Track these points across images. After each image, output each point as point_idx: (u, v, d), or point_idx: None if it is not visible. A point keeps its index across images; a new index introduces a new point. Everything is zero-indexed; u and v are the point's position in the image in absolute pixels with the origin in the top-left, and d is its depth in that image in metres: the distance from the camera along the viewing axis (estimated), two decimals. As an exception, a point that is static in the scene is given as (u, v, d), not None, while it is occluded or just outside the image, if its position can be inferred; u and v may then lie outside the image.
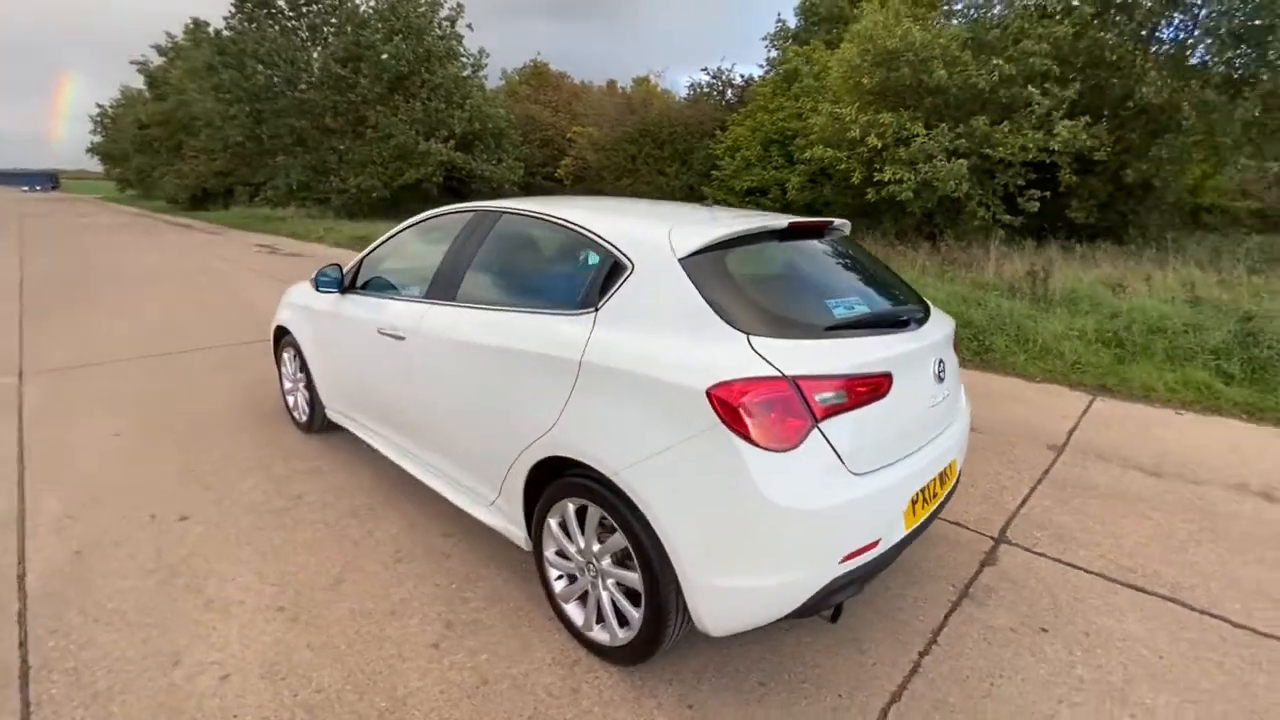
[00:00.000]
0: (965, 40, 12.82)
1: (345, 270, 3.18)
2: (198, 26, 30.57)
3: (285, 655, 2.02)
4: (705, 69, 29.63)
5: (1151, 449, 3.90)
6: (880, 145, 13.34)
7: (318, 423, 3.67)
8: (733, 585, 1.64)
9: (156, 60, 38.02)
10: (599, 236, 2.04)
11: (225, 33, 22.73)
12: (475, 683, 1.92)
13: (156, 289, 9.29)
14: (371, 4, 22.70)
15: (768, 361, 1.61)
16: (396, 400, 2.75)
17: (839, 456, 1.65)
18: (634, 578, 1.81)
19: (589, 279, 2.02)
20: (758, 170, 20.53)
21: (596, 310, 1.94)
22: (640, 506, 1.70)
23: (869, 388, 1.71)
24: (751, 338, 1.67)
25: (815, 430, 1.61)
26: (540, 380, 2.00)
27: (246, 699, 1.85)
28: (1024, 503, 3.18)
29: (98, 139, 49.63)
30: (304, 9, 22.70)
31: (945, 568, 2.59)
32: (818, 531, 1.62)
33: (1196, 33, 12.34)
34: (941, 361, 2.02)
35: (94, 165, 56.68)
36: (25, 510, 2.89)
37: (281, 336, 3.89)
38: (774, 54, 24.98)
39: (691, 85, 29.41)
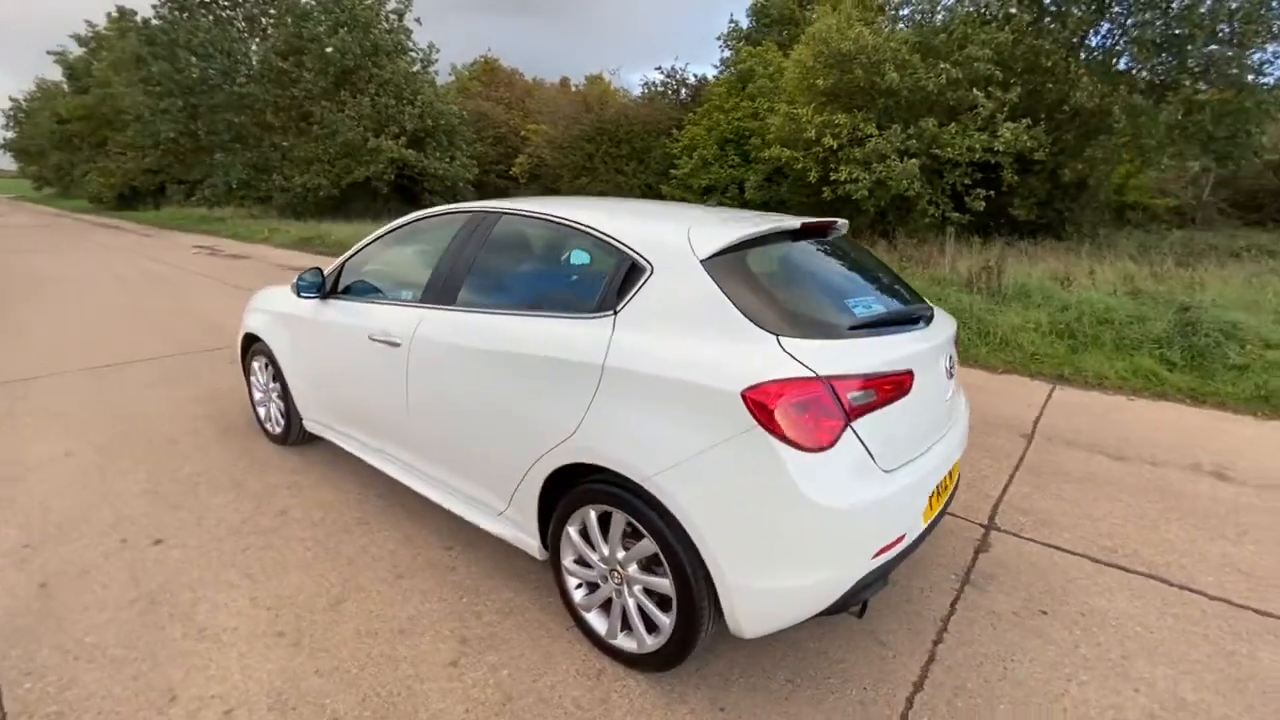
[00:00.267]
0: (914, 44, 13.28)
1: (326, 274, 3.03)
2: (123, 16, 28.70)
3: (293, 683, 1.91)
4: (659, 68, 29.77)
5: (1112, 434, 4.13)
6: (835, 145, 13.69)
7: (294, 435, 3.50)
8: (771, 586, 1.64)
9: (76, 51, 35.52)
10: (614, 239, 2.00)
11: (155, 22, 21.39)
12: (500, 700, 1.86)
13: (91, 295, 8.68)
14: (313, -5, 21.83)
15: (800, 362, 1.62)
16: (390, 410, 2.64)
17: (870, 454, 1.67)
18: (664, 583, 1.79)
19: (605, 281, 1.98)
20: (715, 169, 20.76)
21: (615, 313, 1.91)
22: (673, 511, 1.69)
23: (894, 386, 1.74)
24: (781, 338, 1.67)
25: (849, 429, 1.63)
26: (557, 386, 1.95)
27: (256, 733, 1.74)
28: (1005, 490, 3.32)
29: (10, 134, 46.05)
30: (240, -1, 21.66)
31: (944, 556, 2.67)
32: (853, 529, 1.65)
33: (1124, 41, 13.13)
34: (951, 358, 2.08)
35: (5, 162, 52.60)
36: (-27, 541, 2.65)
37: (251, 344, 3.69)
38: (727, 54, 25.32)
39: (646, 84, 29.51)
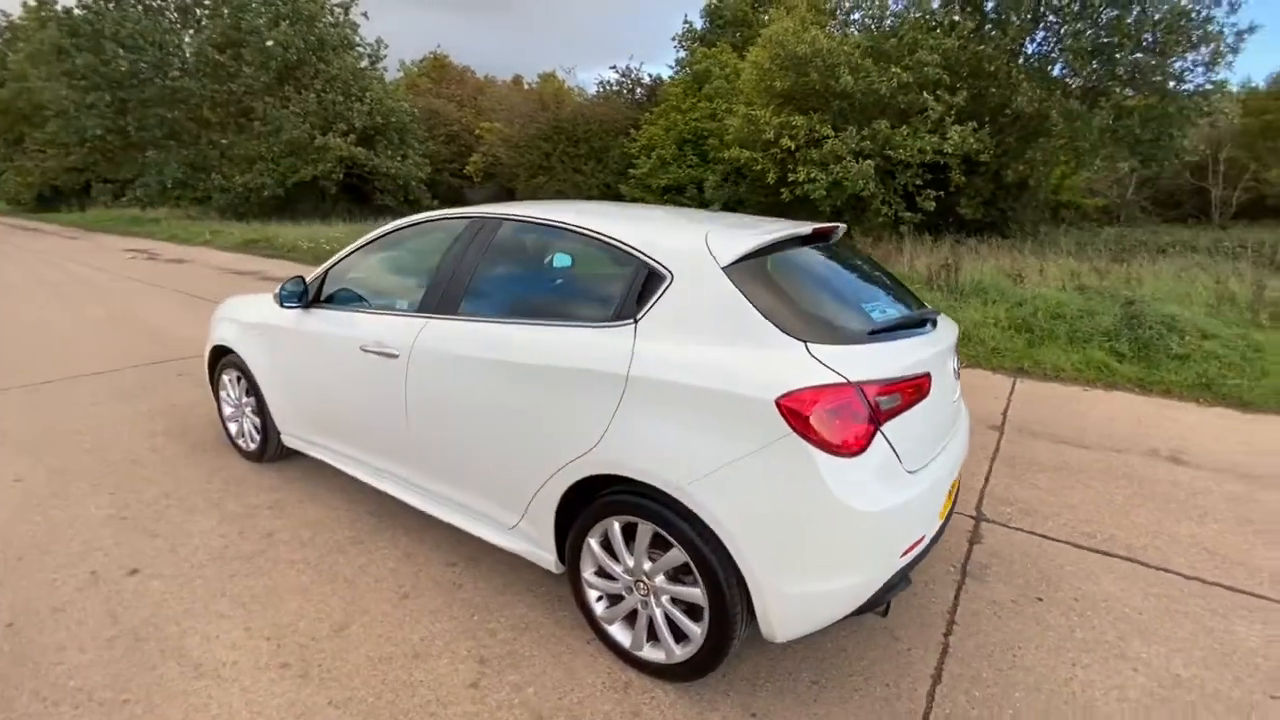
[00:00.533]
0: (866, 49, 13.69)
1: (309, 282, 2.89)
2: (42, 4, 26.71)
3: (305, 717, 1.82)
4: (614, 67, 29.72)
5: (1074, 423, 4.35)
6: (793, 146, 13.98)
7: (271, 451, 3.33)
8: (806, 590, 1.66)
9: (-14, 41, 32.89)
10: (630, 246, 1.98)
11: (78, 12, 19.99)
12: (529, 719, 1.82)
13: (20, 305, 8.06)
14: (252, -14, 20.83)
15: (831, 369, 1.63)
16: (386, 425, 2.54)
17: (897, 457, 1.71)
18: (695, 593, 1.79)
19: (623, 290, 1.96)
20: (674, 169, 20.88)
21: (635, 322, 1.88)
22: (707, 521, 1.68)
23: (915, 389, 1.78)
24: (809, 345, 1.69)
25: (879, 434, 1.66)
26: (576, 396, 1.92)
27: (272, 773, 1.65)
28: (987, 481, 3.45)
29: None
30: (172, -13, 20.47)
31: (940, 548, 2.76)
32: (884, 530, 1.68)
33: (1059, 49, 13.87)
34: (957, 359, 2.15)
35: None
36: (-81, 581, 2.42)
37: (220, 357, 3.49)
38: (682, 54, 25.49)
39: (601, 83, 29.42)
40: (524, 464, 2.09)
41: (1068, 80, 14.03)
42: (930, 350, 1.93)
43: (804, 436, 1.58)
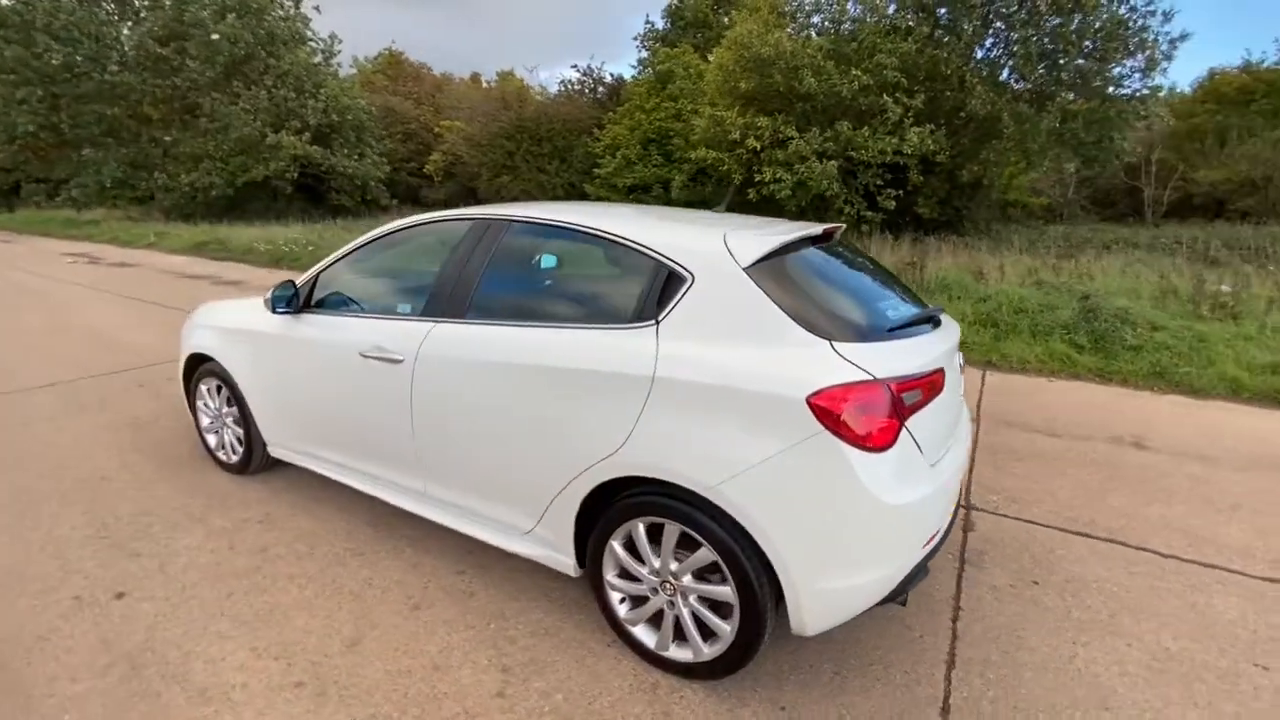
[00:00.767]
0: (828, 52, 14.01)
1: (299, 287, 2.79)
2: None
3: (328, 736, 1.76)
4: (575, 66, 29.56)
5: (1043, 413, 4.56)
6: (759, 147, 14.20)
7: (256, 463, 3.21)
8: (838, 584, 1.70)
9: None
10: (648, 248, 1.98)
11: (5, 2, 18.70)
12: (560, 726, 1.81)
13: (-52, 314, 7.50)
14: (195, -24, 19.87)
15: (858, 367, 1.67)
16: (388, 432, 2.47)
17: (920, 450, 1.76)
18: (724, 591, 1.80)
19: (642, 291, 1.96)
20: (639, 169, 20.95)
21: (657, 323, 1.89)
22: (740, 520, 1.70)
23: (932, 384, 1.84)
24: (834, 343, 1.72)
25: (904, 428, 1.71)
26: (599, 399, 1.91)
27: (301, 796, 1.59)
28: (971, 470, 3.58)
29: None
30: (107, -23, 19.36)
31: (937, 538, 2.85)
32: (911, 522, 1.73)
33: (1008, 53, 14.47)
34: (960, 356, 2.22)
35: None
36: (-123, 615, 2.24)
37: (197, 365, 3.34)
38: (644, 54, 25.57)
39: (563, 82, 29.27)
40: (542, 468, 2.07)
41: (1015, 84, 14.68)
42: (942, 347, 2.00)
43: (836, 433, 1.61)
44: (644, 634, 2.02)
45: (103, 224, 18.85)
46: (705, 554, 1.81)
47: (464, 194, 27.86)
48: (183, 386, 3.49)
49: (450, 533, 2.70)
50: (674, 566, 1.89)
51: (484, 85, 38.83)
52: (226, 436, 3.30)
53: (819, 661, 2.06)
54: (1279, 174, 21.20)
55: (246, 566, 2.54)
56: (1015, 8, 13.65)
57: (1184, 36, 13.27)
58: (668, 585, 1.92)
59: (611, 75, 26.35)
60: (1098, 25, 12.99)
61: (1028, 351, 5.92)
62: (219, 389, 3.25)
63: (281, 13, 20.89)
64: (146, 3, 19.77)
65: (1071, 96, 13.86)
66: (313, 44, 21.89)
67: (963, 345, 6.12)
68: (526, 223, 2.33)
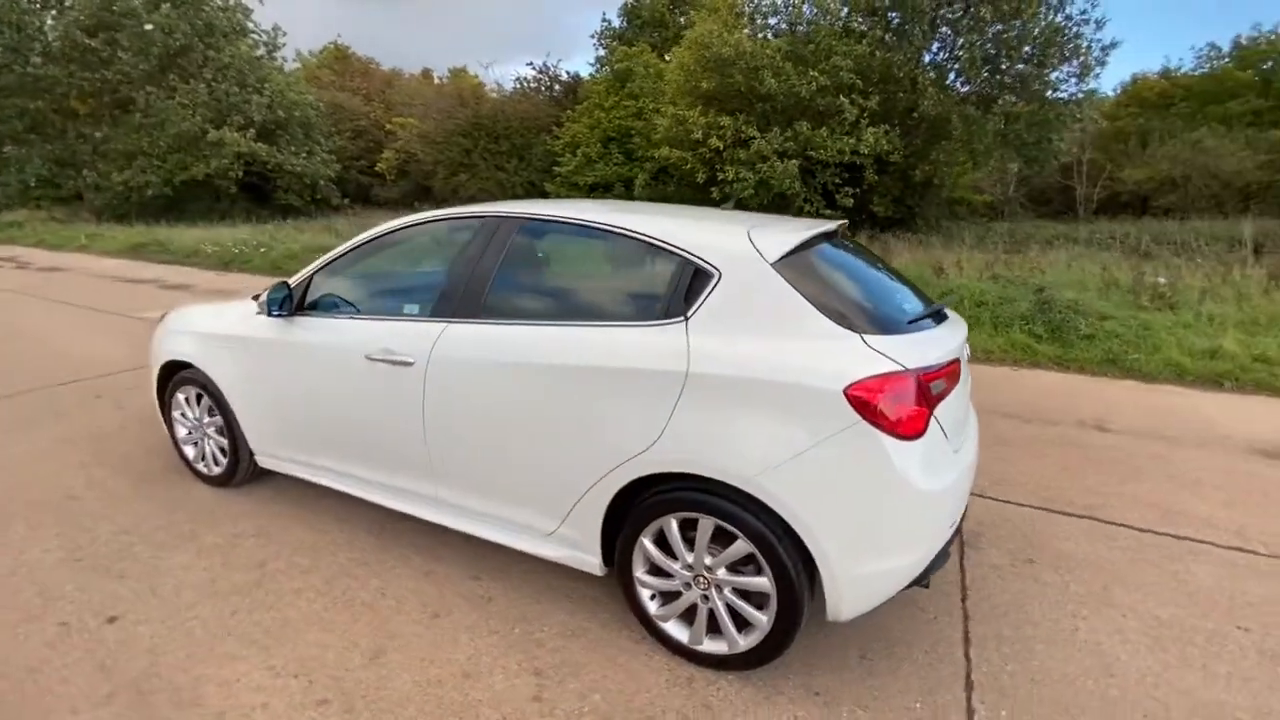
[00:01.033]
0: (786, 53, 14.29)
1: (292, 288, 2.68)
2: None
3: (364, 752, 1.70)
4: (531, 64, 29.28)
5: (1013, 400, 4.79)
6: (721, 147, 14.37)
7: (242, 474, 3.06)
8: (874, 570, 1.75)
9: None
10: (673, 245, 1.99)
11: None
12: (602, 725, 1.80)
13: None
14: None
15: (890, 358, 1.73)
16: (396, 436, 2.40)
17: (946, 437, 1.83)
18: (761, 582, 1.83)
19: (668, 288, 1.97)
20: (600, 167, 20.90)
21: (686, 320, 1.90)
22: (779, 511, 1.73)
23: (952, 374, 1.92)
24: (865, 336, 1.77)
25: (933, 417, 1.77)
26: (629, 396, 1.91)
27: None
28: (955, 458, 3.73)
29: None
30: (25, -37, 17.97)
31: (935, 523, 2.96)
32: (941, 507, 1.80)
33: (953, 57, 15.08)
34: (967, 348, 2.32)
35: None
36: None
37: (172, 374, 3.16)
38: (602, 52, 25.51)
39: (519, 79, 28.90)
40: (567, 467, 2.05)
41: (960, 87, 15.32)
42: (957, 339, 2.08)
43: (873, 423, 1.66)
44: (676, 629, 2.03)
45: (27, 226, 17.54)
46: (741, 546, 1.83)
47: (418, 192, 27.17)
48: (156, 396, 3.30)
49: (459, 538, 2.65)
50: (708, 560, 1.91)
51: (436, 82, 37.99)
52: (208, 447, 3.13)
53: (845, 646, 2.12)
54: (1197, 173, 22.82)
55: (246, 583, 2.42)
56: (960, 14, 14.26)
57: (1114, 44, 14.14)
58: (701, 579, 1.94)
59: (568, 73, 26.22)
60: (1036, 32, 13.69)
61: (990, 342, 6.20)
62: (199, 398, 3.08)
63: (220, 3, 19.88)
64: (70, -10, 18.51)
65: (1013, 99, 14.56)
66: (255, 36, 20.90)
67: (931, 337, 6.41)
68: (542, 220, 2.30)
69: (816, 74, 13.49)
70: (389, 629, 2.18)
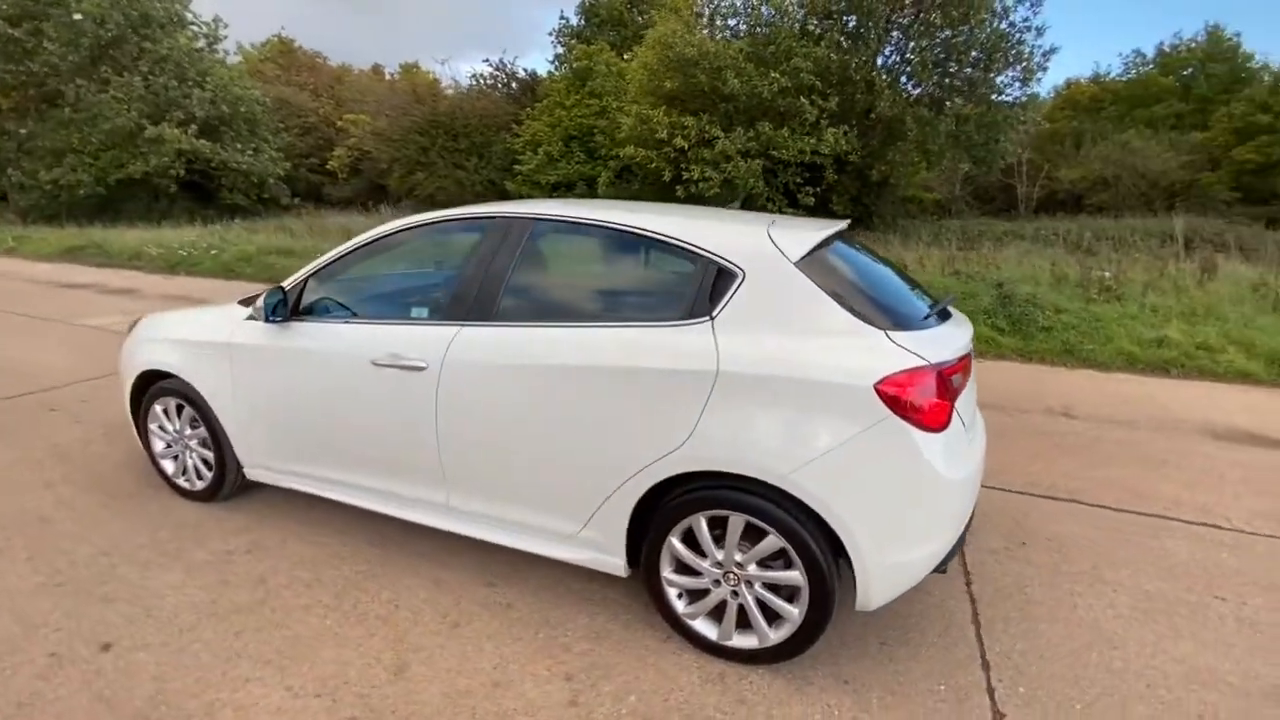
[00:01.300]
0: (748, 54, 14.50)
1: (287, 292, 2.57)
2: None
3: (403, 769, 1.66)
4: (487, 60, 28.80)
5: (984, 390, 4.91)
6: (686, 146, 14.47)
7: (228, 488, 2.93)
8: (903, 559, 1.81)
9: None
10: (694, 245, 2.00)
11: None
12: (642, 726, 1.80)
13: None
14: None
15: (915, 354, 1.78)
16: (406, 443, 2.34)
17: (965, 428, 1.90)
18: (793, 576, 1.86)
19: (692, 288, 1.98)
20: (562, 165, 20.75)
21: (712, 319, 1.92)
22: (813, 505, 1.77)
23: (966, 368, 1.99)
24: (889, 332, 1.83)
25: (954, 409, 1.84)
26: (657, 396, 1.92)
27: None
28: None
29: None
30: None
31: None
32: (964, 495, 1.88)
33: (905, 60, 15.60)
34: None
35: None
36: None
37: (149, 385, 2.98)
38: (560, 50, 25.30)
39: (474, 76, 28.38)
40: (592, 469, 2.04)
41: (911, 89, 15.87)
42: (966, 334, 2.17)
43: (902, 417, 1.72)
44: (704, 626, 2.05)
45: (-61, 228, 16.23)
46: (773, 541, 1.86)
47: (372, 191, 26.38)
48: (129, 409, 3.11)
49: (465, 545, 2.61)
50: (738, 557, 1.93)
51: (387, 78, 36.96)
52: (190, 460, 2.98)
53: (865, 634, 2.18)
54: (1126, 173, 24.26)
55: (249, 601, 2.32)
56: (911, 20, 14.76)
57: (1054, 50, 14.90)
58: (730, 576, 1.96)
59: (525, 70, 25.90)
60: (983, 37, 14.29)
61: (957, 336, 6.45)
62: (178, 409, 2.93)
63: (156, -9, 18.82)
64: (-11, -24, 17.18)
65: (962, 102, 15.17)
66: (195, 27, 19.85)
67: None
68: (558, 221, 2.28)
69: (778, 75, 13.74)
70: (409, 641, 2.12)
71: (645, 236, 2.10)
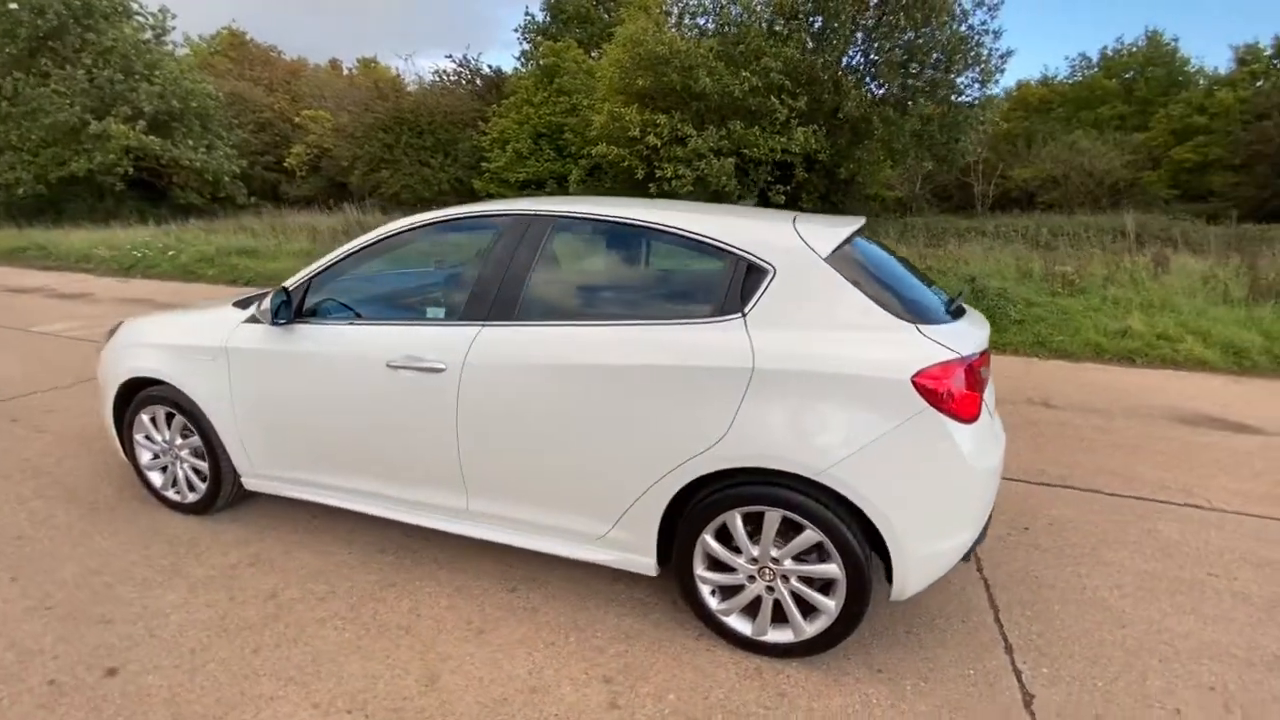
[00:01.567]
0: (718, 53, 14.59)
1: (291, 293, 2.46)
2: None
3: (449, 782, 1.61)
4: (450, 56, 28.28)
5: (966, 383, 5.14)
6: (659, 144, 14.49)
7: (224, 499, 2.80)
8: (938, 548, 1.84)
9: None
10: (723, 242, 2.00)
11: None
12: (686, 725, 1.79)
13: None
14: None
15: (947, 347, 1.82)
16: (424, 447, 2.28)
17: (991, 418, 1.95)
18: (830, 569, 1.88)
19: (722, 285, 1.98)
20: (532, 163, 20.54)
21: (744, 315, 1.92)
22: (853, 499, 1.79)
23: (987, 360, 2.04)
24: (920, 327, 1.86)
25: (983, 400, 1.88)
26: (691, 394, 1.91)
27: None
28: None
29: None
30: None
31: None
32: (992, 483, 1.93)
33: (870, 61, 15.94)
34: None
35: None
36: None
37: (134, 393, 2.83)
38: (526, 47, 25.01)
39: (437, 72, 27.84)
40: (623, 469, 2.02)
41: (877, 90, 16.24)
42: (984, 328, 2.22)
43: (939, 408, 1.75)
44: (738, 622, 2.05)
45: None
46: (810, 535, 1.87)
47: (332, 189, 25.60)
48: (110, 419, 2.94)
49: (481, 549, 2.56)
50: (774, 552, 1.94)
51: (345, 73, 35.96)
52: (181, 471, 2.84)
53: (891, 624, 2.22)
54: (1075, 172, 25.34)
55: (261, 617, 2.22)
56: (875, 21, 15.08)
57: (1010, 52, 15.44)
58: (766, 571, 1.97)
59: (490, 67, 25.52)
60: (944, 39, 14.71)
61: (935, 329, 6.63)
62: (167, 418, 2.79)
63: (97, -20, 17.83)
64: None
65: (925, 102, 15.59)
66: (140, 19, 18.90)
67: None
68: (580, 219, 2.25)
69: (748, 74, 13.87)
70: (438, 651, 2.07)
71: (670, 234, 2.09)
